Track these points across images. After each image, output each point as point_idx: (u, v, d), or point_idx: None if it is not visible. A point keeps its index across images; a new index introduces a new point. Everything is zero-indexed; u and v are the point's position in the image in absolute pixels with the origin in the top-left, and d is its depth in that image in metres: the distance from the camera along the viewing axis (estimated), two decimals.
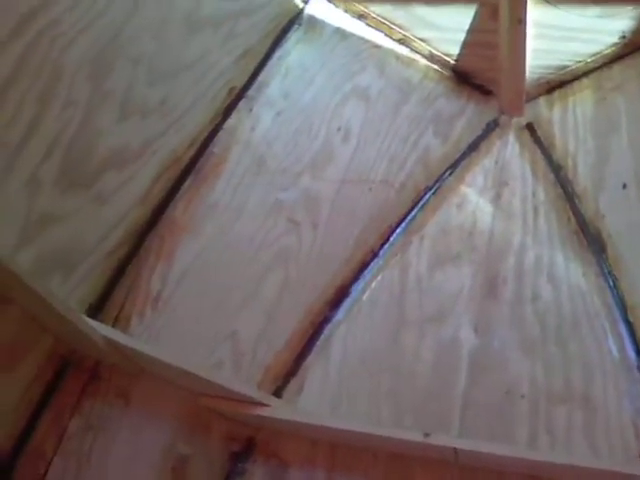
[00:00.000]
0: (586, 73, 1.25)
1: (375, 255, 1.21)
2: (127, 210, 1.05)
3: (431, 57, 1.29)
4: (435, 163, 1.26)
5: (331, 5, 1.24)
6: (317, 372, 1.11)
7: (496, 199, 1.23)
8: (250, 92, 1.21)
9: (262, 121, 1.21)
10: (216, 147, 1.16)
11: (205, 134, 1.16)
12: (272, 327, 1.12)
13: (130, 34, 0.99)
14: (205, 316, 1.09)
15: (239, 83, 1.20)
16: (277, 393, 1.06)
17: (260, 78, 1.20)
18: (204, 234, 1.12)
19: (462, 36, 1.24)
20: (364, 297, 1.16)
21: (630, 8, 1.15)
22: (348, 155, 1.22)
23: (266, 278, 1.13)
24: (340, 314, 1.15)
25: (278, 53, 1.21)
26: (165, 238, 1.12)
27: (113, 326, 1.01)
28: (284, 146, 1.20)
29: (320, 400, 1.06)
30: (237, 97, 1.19)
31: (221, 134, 1.17)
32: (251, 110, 1.20)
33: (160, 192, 1.13)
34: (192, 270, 1.10)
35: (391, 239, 1.21)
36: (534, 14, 1.16)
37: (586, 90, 1.25)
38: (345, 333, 1.14)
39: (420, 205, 1.24)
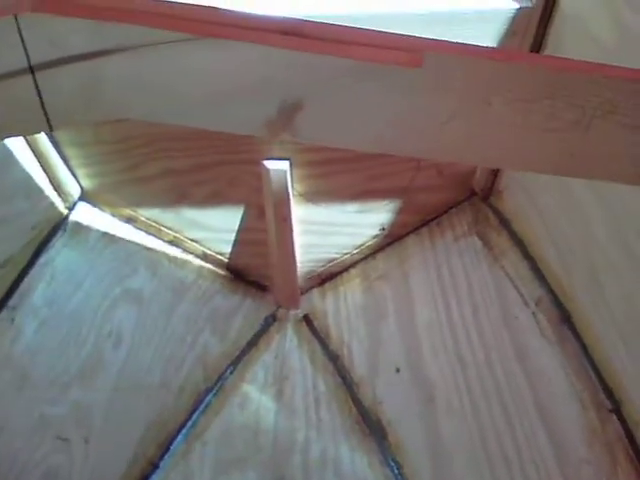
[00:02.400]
0: (353, 264, 1.73)
1: (155, 467, 1.55)
2: None
3: (204, 256, 1.69)
4: (214, 362, 1.62)
5: (97, 210, 1.67)
6: None
7: (278, 395, 1.67)
8: (11, 302, 1.53)
9: (25, 332, 1.50)
10: None
11: None
12: None
13: None
14: None
15: None
16: None
17: (22, 287, 1.54)
18: None
19: (233, 235, 1.68)
20: None
21: (385, 202, 1.74)
22: (120, 361, 1.52)
23: None
24: None
25: (42, 260, 1.56)
26: None
27: None
28: (49, 357, 1.46)
29: None
30: None
31: None
32: (13, 321, 1.53)
33: None
34: None
35: (172, 448, 1.58)
36: (298, 212, 1.62)
37: (354, 280, 1.74)
38: None
39: (201, 408, 1.62)
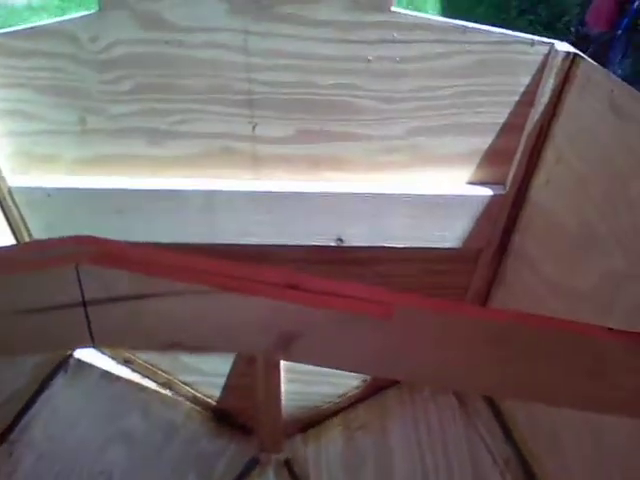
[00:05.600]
0: (335, 412, 1.84)
1: None
2: None
3: (194, 399, 1.79)
4: None
5: (97, 351, 1.79)
6: None
7: None
8: (12, 436, 1.63)
9: (23, 465, 1.58)
10: None
11: None
12: None
13: None
14: None
15: (0, 429, 1.67)
16: None
17: (23, 422, 1.65)
18: None
19: (223, 380, 1.83)
20: None
21: None
22: None
23: None
24: None
25: (43, 397, 1.69)
26: None
27: None
28: None
29: None
30: None
31: None
32: (11, 455, 1.63)
33: None
34: None
35: None
36: (285, 361, 1.84)
37: (336, 428, 1.88)
38: None
39: None
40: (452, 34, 1.41)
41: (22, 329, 0.69)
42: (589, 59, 1.39)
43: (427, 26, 1.40)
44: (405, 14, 1.40)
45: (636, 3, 5.17)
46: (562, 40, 1.42)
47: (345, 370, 0.77)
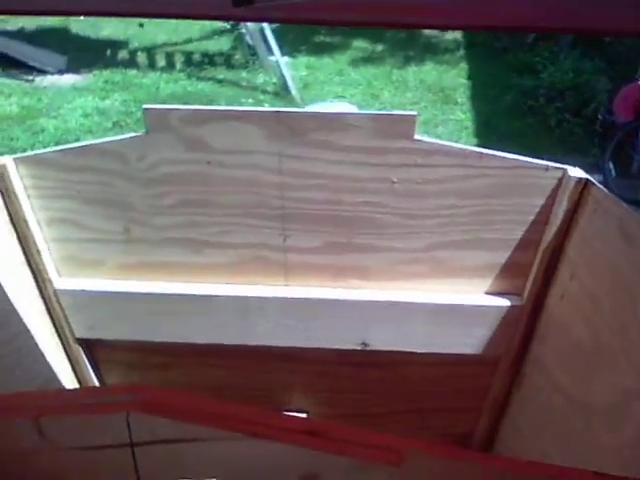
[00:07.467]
0: None
1: None
2: None
3: None
4: None
5: None
6: None
7: None
8: None
9: None
10: None
11: None
12: None
13: None
14: None
15: None
16: None
17: None
18: None
19: None
20: None
21: None
22: None
23: None
24: None
25: None
26: None
27: None
28: None
29: None
30: None
31: None
32: None
33: None
34: None
35: None
36: None
37: None
38: None
39: None
40: (470, 159, 1.52)
41: (75, 464, 0.79)
42: (600, 185, 1.49)
43: (446, 152, 1.51)
44: (427, 142, 1.52)
45: None
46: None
47: None
